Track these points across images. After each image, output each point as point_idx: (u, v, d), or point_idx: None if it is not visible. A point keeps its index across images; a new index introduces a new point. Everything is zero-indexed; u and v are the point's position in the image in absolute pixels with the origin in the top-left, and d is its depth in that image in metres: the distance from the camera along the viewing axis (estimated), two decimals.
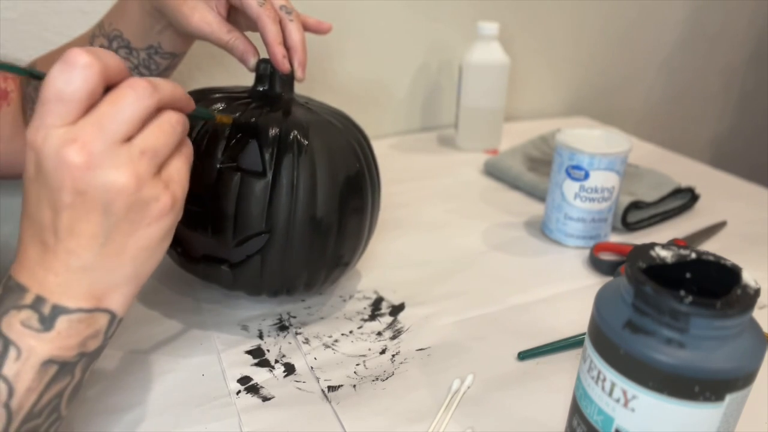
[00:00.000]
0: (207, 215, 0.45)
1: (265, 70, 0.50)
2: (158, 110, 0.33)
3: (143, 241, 0.33)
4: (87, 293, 0.32)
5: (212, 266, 0.48)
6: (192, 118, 0.38)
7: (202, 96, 0.49)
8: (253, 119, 0.46)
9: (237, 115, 0.46)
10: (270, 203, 0.45)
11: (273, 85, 0.51)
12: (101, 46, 0.55)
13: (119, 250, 0.32)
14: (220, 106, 0.48)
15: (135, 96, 0.31)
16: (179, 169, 0.34)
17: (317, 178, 0.46)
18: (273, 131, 0.46)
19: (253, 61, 0.50)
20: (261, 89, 0.51)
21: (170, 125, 0.33)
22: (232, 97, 0.49)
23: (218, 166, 0.45)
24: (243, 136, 0.45)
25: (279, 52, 0.48)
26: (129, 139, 0.31)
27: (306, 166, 0.45)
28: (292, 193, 0.45)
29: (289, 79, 0.51)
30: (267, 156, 0.45)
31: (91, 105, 0.31)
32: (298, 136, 0.46)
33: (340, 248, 0.49)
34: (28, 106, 0.59)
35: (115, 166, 0.30)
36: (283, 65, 0.49)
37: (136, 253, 0.33)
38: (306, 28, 0.54)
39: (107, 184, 0.30)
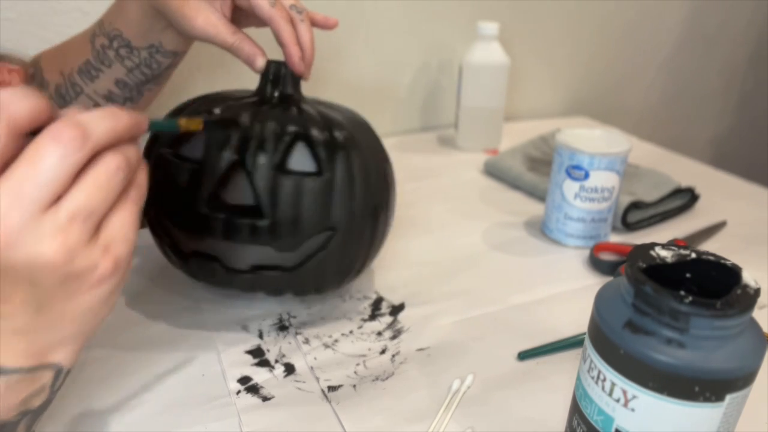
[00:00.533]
0: (264, 225, 0.44)
1: (278, 71, 0.50)
2: (93, 156, 0.28)
3: (84, 306, 0.29)
4: (26, 352, 0.29)
5: (261, 275, 0.47)
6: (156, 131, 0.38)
7: (206, 103, 0.48)
8: (291, 124, 0.45)
9: (243, 119, 0.46)
10: (331, 200, 0.45)
11: (285, 86, 0.50)
12: (102, 45, 0.55)
13: (57, 315, 0.29)
14: (216, 110, 0.47)
15: (60, 152, 0.26)
16: (123, 224, 0.29)
17: (369, 171, 0.47)
18: (317, 130, 0.46)
19: (260, 62, 0.49)
20: (271, 91, 0.50)
21: (107, 176, 0.28)
22: (240, 102, 0.48)
23: (271, 173, 0.44)
24: (289, 140, 0.45)
25: (295, 53, 0.48)
26: (55, 200, 0.26)
27: (358, 160, 0.47)
28: (352, 187, 0.46)
29: (298, 79, 0.51)
30: (322, 155, 0.45)
31: (4, 164, 0.26)
32: (343, 133, 0.47)
33: (383, 238, 0.52)
34: None
35: (39, 239, 0.26)
36: (300, 66, 0.48)
37: (77, 315, 0.29)
38: (313, 24, 0.53)
39: (30, 260, 0.26)
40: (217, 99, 0.49)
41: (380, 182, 0.49)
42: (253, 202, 0.44)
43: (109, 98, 0.57)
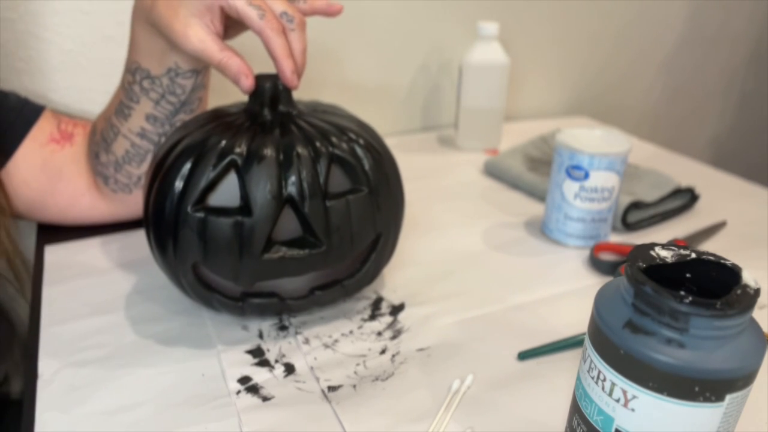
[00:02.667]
0: (321, 252, 0.45)
1: (275, 91, 0.47)
2: None
3: None
4: None
5: (324, 295, 0.49)
6: None
7: (190, 127, 0.47)
8: (318, 145, 0.45)
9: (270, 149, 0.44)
10: (377, 211, 0.47)
11: (283, 104, 0.48)
12: (128, 82, 0.56)
13: None
14: (222, 142, 0.44)
15: None
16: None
17: (392, 168, 0.49)
18: (343, 144, 0.46)
19: (247, 83, 0.46)
20: (270, 112, 0.48)
21: None
22: (233, 127, 0.46)
23: (323, 203, 0.44)
24: (327, 164, 0.45)
25: (288, 66, 0.46)
26: None
27: (382, 162, 0.48)
28: (388, 189, 0.48)
29: (291, 93, 0.49)
30: (359, 171, 0.46)
31: None
32: (361, 139, 0.47)
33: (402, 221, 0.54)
34: (92, 152, 0.61)
35: None
36: (293, 81, 0.47)
37: None
38: (315, 11, 0.52)
39: None
40: (217, 132, 0.46)
41: (398, 177, 0.51)
42: (307, 232, 0.45)
43: (143, 135, 0.57)
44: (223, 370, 0.46)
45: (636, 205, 0.69)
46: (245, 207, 0.43)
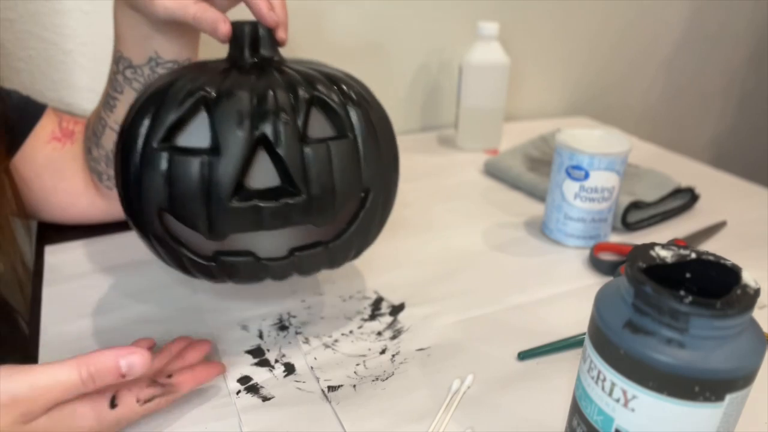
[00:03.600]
0: (300, 203, 0.41)
1: (254, 33, 0.45)
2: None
3: None
4: None
5: (299, 257, 0.44)
6: None
7: (165, 74, 0.44)
8: (299, 88, 0.42)
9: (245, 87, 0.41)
10: (362, 161, 0.43)
11: (264, 48, 0.46)
12: (113, 72, 0.56)
13: None
14: (194, 81, 0.41)
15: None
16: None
17: (383, 122, 0.46)
18: (327, 90, 0.43)
19: (224, 27, 0.45)
20: (249, 56, 0.45)
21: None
22: (210, 70, 0.43)
23: (300, 145, 0.40)
24: (306, 106, 0.41)
25: (264, 5, 0.45)
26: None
27: (372, 113, 0.45)
28: (376, 142, 0.44)
29: (275, 40, 0.47)
30: (342, 116, 0.42)
31: None
32: (351, 88, 0.44)
33: (397, 184, 0.50)
34: (86, 148, 0.61)
35: None
36: (270, 17, 0.45)
37: None
38: None
39: None
40: (191, 74, 0.43)
41: (391, 130, 0.48)
42: (281, 179, 0.41)
43: None
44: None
45: (636, 205, 0.69)
46: (215, 147, 0.40)
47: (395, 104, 0.98)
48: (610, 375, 0.31)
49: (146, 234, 0.44)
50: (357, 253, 0.48)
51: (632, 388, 0.30)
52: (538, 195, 0.76)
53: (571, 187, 0.62)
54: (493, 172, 0.83)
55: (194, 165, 0.39)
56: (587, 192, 0.61)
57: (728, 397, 0.29)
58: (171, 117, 0.40)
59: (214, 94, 0.40)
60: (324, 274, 0.58)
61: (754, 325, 0.30)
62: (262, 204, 0.40)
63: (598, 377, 0.32)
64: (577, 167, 0.61)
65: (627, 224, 0.68)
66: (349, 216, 0.45)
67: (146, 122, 0.41)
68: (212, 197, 0.39)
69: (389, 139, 0.47)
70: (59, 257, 0.60)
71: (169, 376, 0.40)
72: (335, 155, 0.42)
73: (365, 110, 0.44)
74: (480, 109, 0.90)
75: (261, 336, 0.49)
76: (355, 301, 0.55)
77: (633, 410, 0.30)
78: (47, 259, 0.59)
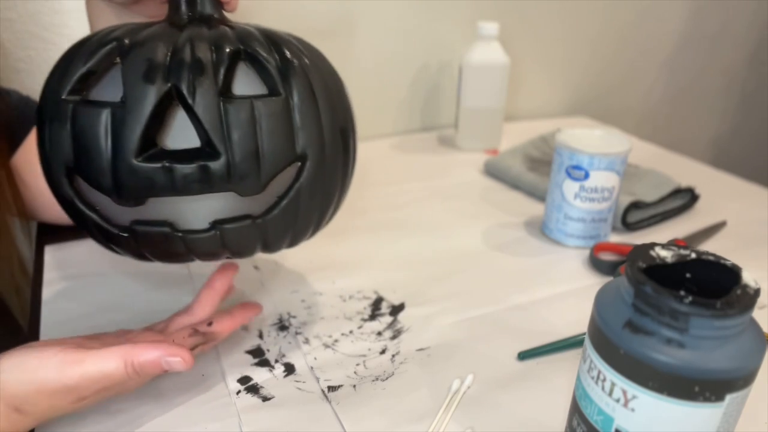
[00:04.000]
0: (220, 167, 0.37)
1: None
2: None
3: None
4: None
5: (225, 231, 0.39)
6: None
7: (96, 35, 0.40)
8: (227, 43, 0.38)
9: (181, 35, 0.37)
10: (295, 123, 0.39)
11: (203, 5, 0.42)
12: None
13: None
14: (113, 33, 0.38)
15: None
16: None
17: (329, 89, 0.42)
18: (260, 46, 0.39)
19: None
20: (186, 12, 0.42)
21: None
22: (140, 27, 0.39)
23: (219, 101, 0.36)
24: (229, 59, 0.38)
25: None
26: None
27: (315, 75, 0.41)
28: (315, 106, 0.40)
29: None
30: (273, 73, 0.39)
31: None
32: (293, 48, 0.40)
33: (353, 169, 0.46)
34: None
35: None
36: None
37: None
38: None
39: None
40: (118, 29, 0.40)
41: (343, 102, 0.44)
42: (201, 140, 0.37)
43: None
44: (223, 370, 0.46)
45: (636, 205, 0.69)
46: (123, 101, 0.36)
47: (395, 104, 0.98)
48: (610, 375, 0.31)
49: (60, 200, 0.40)
50: (294, 237, 0.43)
51: (632, 388, 0.30)
52: (538, 195, 0.76)
53: (571, 187, 0.62)
54: (493, 172, 0.83)
55: (99, 118, 0.36)
56: (587, 192, 0.61)
57: (728, 397, 0.29)
58: (80, 68, 0.37)
59: (127, 43, 0.37)
60: (324, 274, 0.58)
61: (754, 325, 0.30)
62: (173, 165, 0.36)
63: (598, 377, 0.32)
64: (577, 167, 0.61)
65: (627, 224, 0.68)
66: (283, 188, 0.40)
67: (57, 74, 0.38)
68: (117, 154, 0.36)
69: (337, 106, 0.43)
70: (59, 257, 0.60)
71: (210, 323, 0.42)
72: (263, 115, 0.37)
73: (306, 70, 0.40)
74: (480, 109, 0.90)
75: (261, 336, 0.49)
76: (355, 301, 0.55)
77: (633, 410, 0.30)
78: (47, 259, 0.59)
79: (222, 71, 0.37)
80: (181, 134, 0.37)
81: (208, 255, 0.41)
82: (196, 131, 0.37)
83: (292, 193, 0.40)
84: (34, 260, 0.61)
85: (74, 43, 0.40)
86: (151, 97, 0.36)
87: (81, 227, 0.41)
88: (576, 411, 0.34)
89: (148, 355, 0.36)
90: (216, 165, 0.37)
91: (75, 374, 0.35)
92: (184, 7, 0.42)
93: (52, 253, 0.60)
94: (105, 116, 0.36)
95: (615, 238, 0.67)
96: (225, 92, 0.37)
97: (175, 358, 0.37)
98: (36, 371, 0.34)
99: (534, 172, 0.80)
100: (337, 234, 0.66)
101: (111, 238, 0.40)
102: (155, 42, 0.37)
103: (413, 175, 0.83)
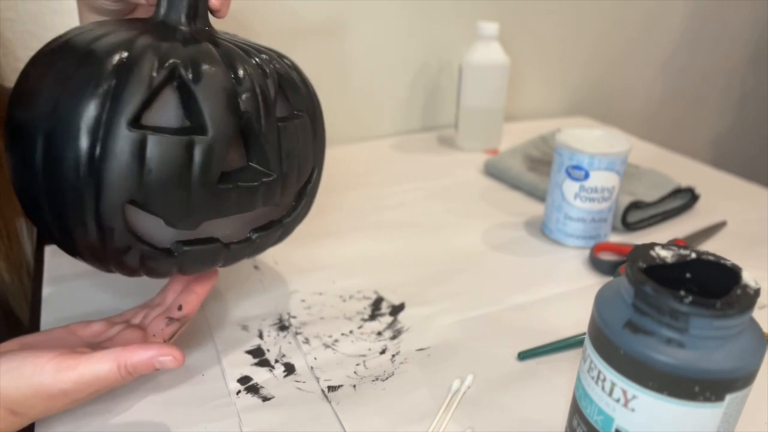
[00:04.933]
0: (274, 182, 0.40)
1: None
2: None
3: None
4: None
5: (264, 237, 0.43)
6: None
7: (92, 43, 0.37)
8: (265, 65, 0.41)
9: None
10: (314, 139, 0.45)
11: (194, 14, 0.41)
12: None
13: None
14: (155, 45, 0.37)
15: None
16: None
17: (317, 107, 0.46)
18: (289, 70, 0.43)
19: None
20: (188, 26, 0.41)
21: None
22: (155, 38, 0.38)
23: (277, 125, 0.40)
24: (276, 85, 0.41)
25: None
26: None
27: (312, 96, 0.46)
28: (323, 122, 0.46)
29: (205, 8, 0.42)
30: (301, 95, 0.43)
31: None
32: (295, 67, 0.45)
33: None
34: None
35: None
36: None
37: None
38: None
39: None
40: (139, 40, 0.37)
41: (319, 107, 0.49)
42: (253, 160, 0.40)
43: None
44: (223, 370, 0.46)
45: (636, 205, 0.69)
46: (197, 126, 0.36)
47: (395, 104, 0.98)
48: (610, 375, 0.31)
49: (88, 232, 0.37)
50: (292, 227, 0.48)
51: (632, 388, 0.30)
52: (538, 195, 0.76)
53: (571, 187, 0.62)
54: (492, 172, 0.83)
55: (178, 145, 0.35)
56: (587, 192, 0.61)
57: (728, 397, 0.29)
58: (140, 90, 0.35)
59: (187, 62, 0.37)
60: (324, 274, 0.58)
61: (754, 325, 0.30)
62: (243, 185, 0.39)
63: (598, 377, 0.32)
64: (577, 167, 0.61)
65: (627, 224, 0.68)
66: (299, 190, 0.46)
67: (101, 93, 0.34)
68: (196, 181, 0.36)
69: (321, 115, 0.48)
70: (59, 257, 0.60)
71: (180, 307, 0.44)
72: (300, 132, 0.42)
73: (309, 87, 0.45)
74: (480, 109, 0.90)
75: (261, 336, 0.49)
76: (355, 301, 0.55)
77: (633, 410, 0.30)
78: (47, 259, 0.59)
79: (275, 98, 0.40)
80: (253, 156, 0.41)
81: (234, 261, 0.44)
82: (248, 152, 0.40)
83: (306, 195, 0.46)
84: (34, 260, 0.61)
85: (69, 61, 0.36)
86: (232, 125, 0.37)
87: (114, 260, 0.39)
88: (576, 411, 0.34)
89: (141, 356, 0.37)
90: (272, 181, 0.40)
91: (70, 379, 0.36)
92: (184, 18, 0.41)
93: (52, 253, 0.60)
94: (186, 143, 0.35)
95: (615, 238, 0.67)
96: (276, 116, 0.41)
97: (167, 357, 0.38)
98: (31, 377, 0.35)
99: (534, 172, 0.80)
100: (337, 234, 0.66)
101: (153, 260, 0.39)
102: (214, 64, 0.37)
103: (413, 175, 0.83)
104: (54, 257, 0.60)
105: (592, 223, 0.63)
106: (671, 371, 0.28)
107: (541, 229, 0.68)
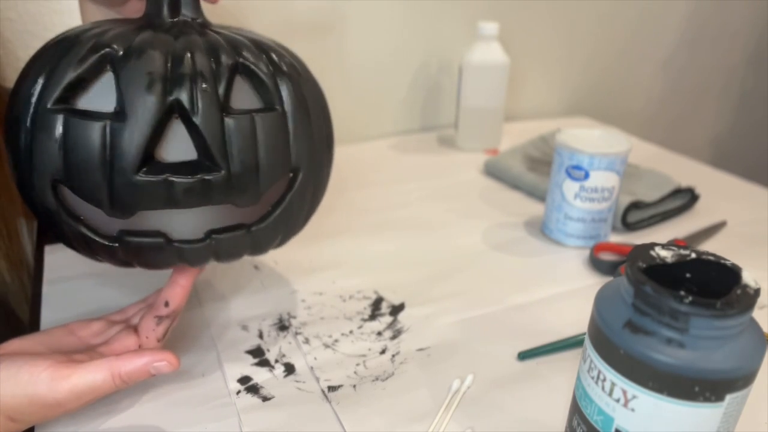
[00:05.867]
0: (219, 180, 0.37)
1: None
2: None
3: None
4: None
5: (224, 241, 0.40)
6: None
7: (79, 36, 0.38)
8: (222, 53, 0.38)
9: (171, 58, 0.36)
10: (290, 137, 0.40)
11: (185, 7, 0.41)
12: None
13: None
14: (100, 36, 0.37)
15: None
16: None
17: (316, 98, 0.43)
18: (257, 58, 0.39)
19: None
20: (168, 14, 0.41)
21: None
22: (121, 28, 0.38)
23: (221, 115, 0.37)
24: (229, 72, 0.38)
25: None
26: None
27: (307, 88, 0.41)
28: (307, 118, 0.41)
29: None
30: (270, 86, 0.39)
31: None
32: (283, 58, 0.41)
33: (330, 171, 0.48)
34: None
35: None
36: None
37: None
38: None
39: None
40: (99, 29, 0.39)
41: (326, 109, 0.45)
42: (199, 153, 0.37)
43: None
44: (223, 370, 0.46)
45: (636, 205, 0.69)
46: (120, 112, 0.35)
47: (395, 104, 0.98)
48: (610, 375, 0.31)
49: (37, 209, 0.39)
50: (283, 240, 0.45)
51: (632, 388, 0.30)
52: (538, 195, 0.76)
53: (571, 187, 0.62)
54: (492, 172, 0.83)
55: (94, 130, 0.35)
56: (587, 192, 0.61)
57: (728, 397, 0.29)
58: (69, 75, 0.36)
59: (121, 51, 0.36)
60: (324, 274, 0.58)
61: (754, 325, 0.30)
62: (175, 179, 0.36)
63: (598, 377, 0.32)
64: (577, 167, 0.61)
65: (627, 224, 0.68)
66: (276, 197, 0.41)
67: (41, 80, 0.36)
68: (115, 168, 0.35)
69: (322, 116, 0.44)
70: (59, 257, 0.60)
71: (166, 304, 0.42)
72: (261, 129, 0.38)
73: (296, 82, 0.41)
74: (480, 109, 0.90)
75: (261, 336, 0.49)
76: (355, 301, 0.55)
77: (633, 410, 0.30)
78: (47, 259, 0.59)
79: (223, 85, 0.37)
80: (177, 147, 0.37)
81: (196, 262, 0.41)
82: (195, 144, 0.37)
83: (285, 202, 0.41)
84: (34, 260, 0.61)
85: (49, 44, 0.39)
86: (153, 110, 0.35)
87: (60, 237, 0.40)
88: (576, 411, 0.34)
89: (135, 364, 0.38)
90: (216, 178, 0.37)
91: (64, 389, 0.36)
92: (166, 11, 0.40)
93: (52, 253, 0.60)
94: (103, 129, 0.35)
95: (615, 238, 0.67)
96: (225, 107, 0.37)
97: (162, 362, 0.38)
98: (27, 385, 0.36)
99: (534, 172, 0.80)
100: (337, 234, 0.66)
101: (96, 249, 0.39)
102: (151, 51, 0.36)
103: (413, 175, 0.83)
104: (54, 257, 0.60)
105: (592, 223, 0.63)
106: (671, 371, 0.28)
107: (541, 229, 0.68)
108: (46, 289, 0.55)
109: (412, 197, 0.76)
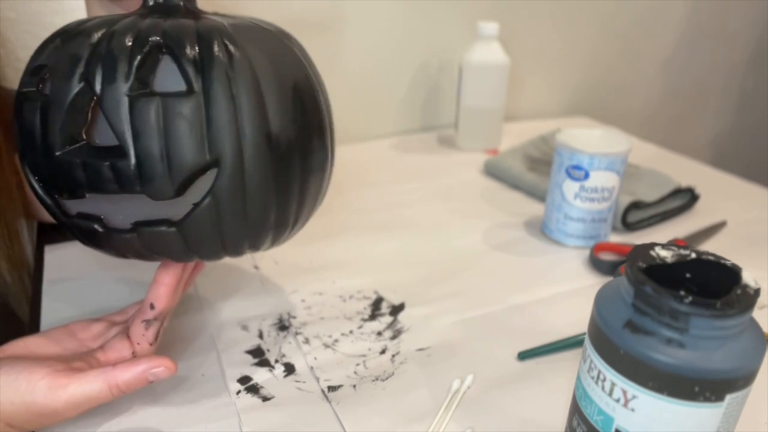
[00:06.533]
0: (127, 166, 0.35)
1: None
2: None
3: None
4: None
5: (149, 235, 0.38)
6: None
7: (73, 35, 0.38)
8: (154, 35, 0.37)
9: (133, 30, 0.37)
10: (209, 126, 0.36)
11: None
12: None
13: None
14: (99, 33, 0.37)
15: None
16: None
17: (261, 88, 0.38)
18: (189, 39, 0.37)
19: None
20: (149, 1, 0.41)
21: None
22: (116, 20, 0.39)
23: (126, 95, 0.35)
24: (149, 54, 0.36)
25: None
26: None
27: (243, 74, 0.37)
28: (234, 108, 0.37)
29: None
30: (190, 70, 0.36)
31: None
32: (224, 41, 0.38)
33: (308, 174, 0.42)
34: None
35: None
36: None
37: None
38: None
39: None
40: (75, 24, 0.40)
41: (293, 108, 0.40)
42: (116, 138, 0.36)
43: None
44: (223, 370, 0.46)
45: (636, 205, 0.69)
46: (49, 93, 0.37)
47: (395, 104, 0.98)
48: (610, 375, 0.31)
49: (31, 183, 0.41)
50: (230, 249, 0.41)
51: (632, 388, 0.30)
52: (538, 195, 0.76)
53: (571, 187, 0.62)
54: (493, 172, 0.83)
55: (31, 105, 0.37)
56: (587, 192, 0.61)
57: (728, 397, 0.29)
58: (34, 61, 0.39)
59: (66, 37, 0.38)
60: (324, 274, 0.58)
61: (754, 325, 0.30)
62: (87, 161, 0.36)
63: (598, 377, 0.32)
64: (577, 167, 0.61)
65: (627, 224, 0.68)
66: (200, 197, 0.38)
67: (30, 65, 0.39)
68: (45, 144, 0.37)
69: (272, 112, 0.39)
70: (59, 257, 0.60)
71: (152, 306, 0.42)
72: (170, 114, 0.35)
73: (236, 70, 0.37)
74: (480, 109, 0.90)
75: (261, 336, 0.49)
76: (355, 301, 0.55)
77: (633, 410, 0.30)
78: (47, 259, 0.59)
79: (135, 64, 0.35)
80: (103, 130, 0.37)
81: (137, 255, 0.40)
82: (115, 129, 0.36)
83: (206, 201, 0.37)
84: (34, 260, 0.61)
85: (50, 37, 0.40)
86: (69, 91, 0.36)
87: (52, 212, 0.41)
88: (576, 411, 0.34)
89: (132, 372, 0.38)
90: (123, 164, 0.36)
91: (61, 399, 0.36)
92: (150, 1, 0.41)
93: (52, 253, 0.60)
94: (37, 109, 0.37)
95: (615, 238, 0.67)
96: (139, 88, 0.35)
97: (159, 368, 0.39)
98: (25, 394, 0.36)
99: (534, 172, 0.80)
100: (337, 234, 0.66)
101: (60, 223, 0.41)
102: (86, 35, 0.37)
103: (413, 175, 0.83)
104: (54, 257, 0.60)
105: (592, 223, 0.63)
106: (671, 371, 0.28)
107: (541, 229, 0.68)
108: (46, 289, 0.55)
109: (412, 197, 0.76)
